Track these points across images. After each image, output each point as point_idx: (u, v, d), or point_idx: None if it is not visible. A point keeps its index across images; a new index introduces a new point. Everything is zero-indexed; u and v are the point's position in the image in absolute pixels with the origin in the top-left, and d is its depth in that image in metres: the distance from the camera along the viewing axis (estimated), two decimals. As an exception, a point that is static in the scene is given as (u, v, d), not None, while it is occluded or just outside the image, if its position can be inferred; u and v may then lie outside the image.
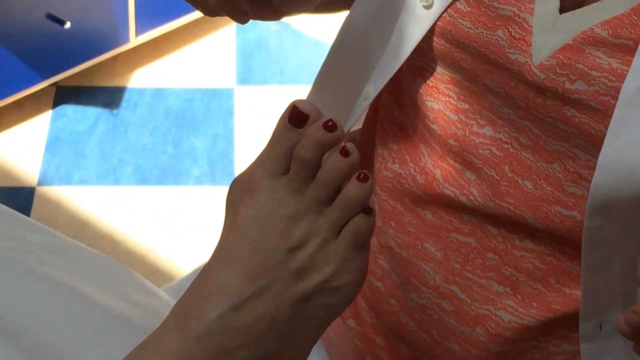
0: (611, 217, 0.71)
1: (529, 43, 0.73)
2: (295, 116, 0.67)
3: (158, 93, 2.32)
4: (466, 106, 0.80)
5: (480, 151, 0.80)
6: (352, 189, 0.67)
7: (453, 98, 0.81)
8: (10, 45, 2.01)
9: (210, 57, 2.44)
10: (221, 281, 0.66)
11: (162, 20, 2.29)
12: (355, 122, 0.89)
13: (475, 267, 0.83)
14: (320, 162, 0.68)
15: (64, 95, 2.28)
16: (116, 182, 2.11)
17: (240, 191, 0.69)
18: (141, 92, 2.32)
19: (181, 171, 2.14)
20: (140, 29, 2.25)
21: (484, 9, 0.75)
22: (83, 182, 2.10)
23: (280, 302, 0.66)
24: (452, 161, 0.83)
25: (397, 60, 0.81)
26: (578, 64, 0.71)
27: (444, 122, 0.82)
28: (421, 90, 0.83)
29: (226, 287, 0.66)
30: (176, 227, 2.04)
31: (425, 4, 0.77)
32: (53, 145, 2.16)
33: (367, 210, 0.68)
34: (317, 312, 0.68)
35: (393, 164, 0.89)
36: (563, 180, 0.76)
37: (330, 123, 0.67)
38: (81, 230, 1.99)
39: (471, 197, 0.81)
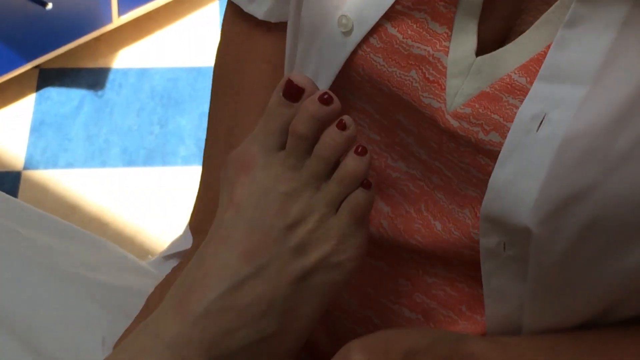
0: (506, 240, 0.67)
1: (443, 87, 0.68)
2: (290, 90, 0.66)
3: (142, 73, 2.30)
4: (378, 138, 0.75)
5: (399, 186, 0.75)
6: (350, 163, 0.66)
7: (365, 127, 0.76)
8: (-9, 28, 1.99)
9: (194, 35, 2.41)
10: (219, 261, 0.65)
11: (144, -1, 2.27)
12: None
13: (387, 292, 0.79)
14: (317, 136, 0.66)
15: (47, 77, 2.25)
16: (103, 164, 2.09)
17: (236, 168, 0.68)
18: (125, 72, 2.29)
19: (168, 151, 2.13)
20: (123, 8, 2.22)
21: (396, 46, 0.69)
22: (69, 165, 2.08)
23: (279, 280, 0.65)
24: None
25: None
26: (494, 114, 0.66)
27: None
28: None
29: (224, 267, 0.65)
30: (165, 208, 2.03)
31: (344, 30, 0.70)
32: (38, 128, 2.14)
33: (366, 184, 0.67)
34: (317, 289, 0.67)
35: None
36: (471, 227, 0.71)
37: (326, 96, 0.66)
38: (69, 213, 1.97)
39: (381, 230, 0.77)
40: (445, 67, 0.67)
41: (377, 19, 0.68)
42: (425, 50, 0.68)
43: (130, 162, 2.10)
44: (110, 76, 2.27)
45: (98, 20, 2.19)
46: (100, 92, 2.23)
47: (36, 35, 2.09)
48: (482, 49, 0.67)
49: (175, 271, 0.89)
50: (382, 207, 0.76)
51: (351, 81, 0.73)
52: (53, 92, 2.22)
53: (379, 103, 0.73)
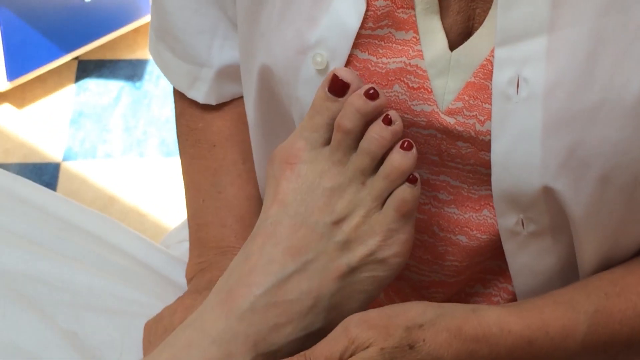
0: (524, 217, 0.68)
1: (429, 90, 0.68)
2: (336, 85, 0.66)
3: (180, 64, 2.30)
4: None
5: None
6: (396, 158, 0.66)
7: None
8: (31, 20, 2.00)
9: (231, 26, 2.42)
10: (264, 257, 0.65)
11: (182, -9, 2.27)
12: None
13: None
14: (362, 131, 0.66)
15: (86, 69, 2.26)
16: (141, 155, 2.10)
17: (281, 163, 0.67)
18: (163, 63, 2.30)
19: (206, 143, 2.13)
20: None
21: (372, 69, 0.69)
22: (108, 156, 2.09)
23: (325, 276, 0.65)
24: None
25: None
26: (485, 103, 0.67)
27: None
28: None
29: (270, 262, 0.65)
30: (203, 199, 2.03)
31: (319, 67, 0.69)
32: (77, 119, 2.15)
33: (412, 179, 0.66)
34: (362, 285, 0.67)
35: None
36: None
37: (372, 91, 0.65)
38: (108, 204, 1.98)
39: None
40: (424, 71, 0.68)
41: (349, 49, 0.68)
42: (400, 61, 0.68)
43: (168, 153, 2.10)
44: (148, 68, 2.28)
45: (136, 12, 2.19)
46: (138, 84, 2.24)
47: (75, 26, 2.10)
48: (454, 43, 0.68)
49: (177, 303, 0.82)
50: None
51: None
52: (92, 84, 2.24)
53: None
